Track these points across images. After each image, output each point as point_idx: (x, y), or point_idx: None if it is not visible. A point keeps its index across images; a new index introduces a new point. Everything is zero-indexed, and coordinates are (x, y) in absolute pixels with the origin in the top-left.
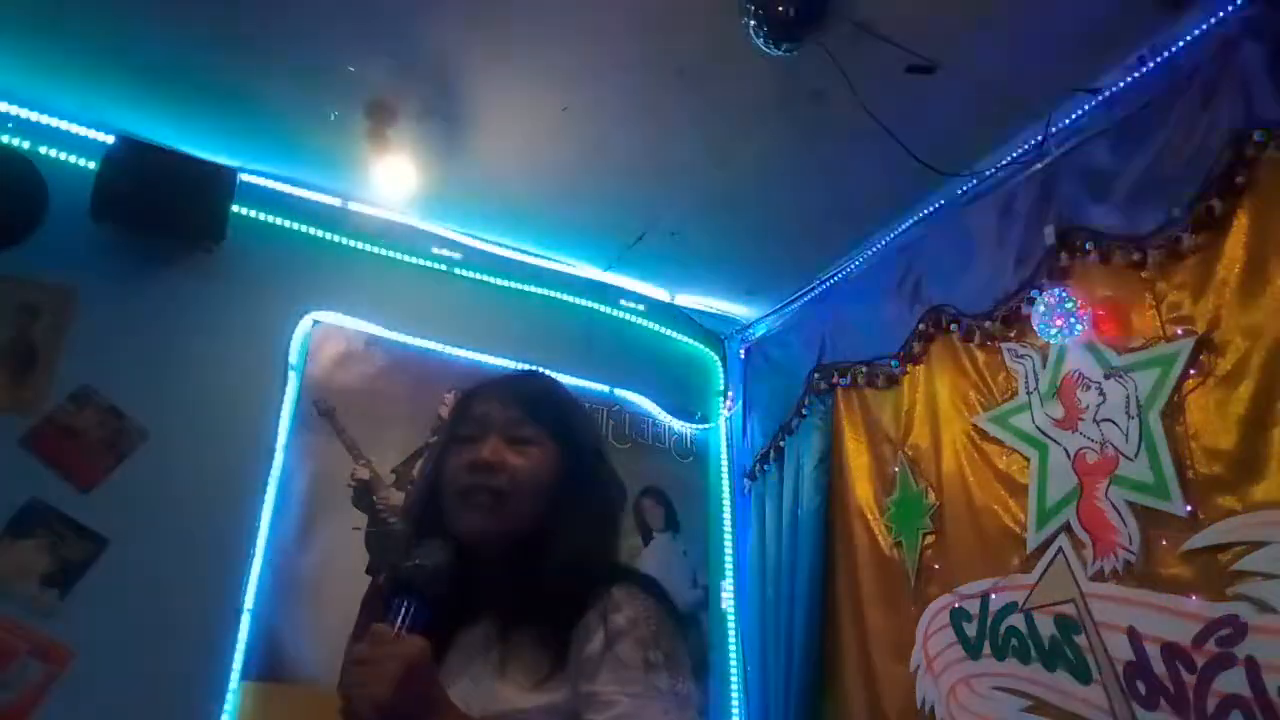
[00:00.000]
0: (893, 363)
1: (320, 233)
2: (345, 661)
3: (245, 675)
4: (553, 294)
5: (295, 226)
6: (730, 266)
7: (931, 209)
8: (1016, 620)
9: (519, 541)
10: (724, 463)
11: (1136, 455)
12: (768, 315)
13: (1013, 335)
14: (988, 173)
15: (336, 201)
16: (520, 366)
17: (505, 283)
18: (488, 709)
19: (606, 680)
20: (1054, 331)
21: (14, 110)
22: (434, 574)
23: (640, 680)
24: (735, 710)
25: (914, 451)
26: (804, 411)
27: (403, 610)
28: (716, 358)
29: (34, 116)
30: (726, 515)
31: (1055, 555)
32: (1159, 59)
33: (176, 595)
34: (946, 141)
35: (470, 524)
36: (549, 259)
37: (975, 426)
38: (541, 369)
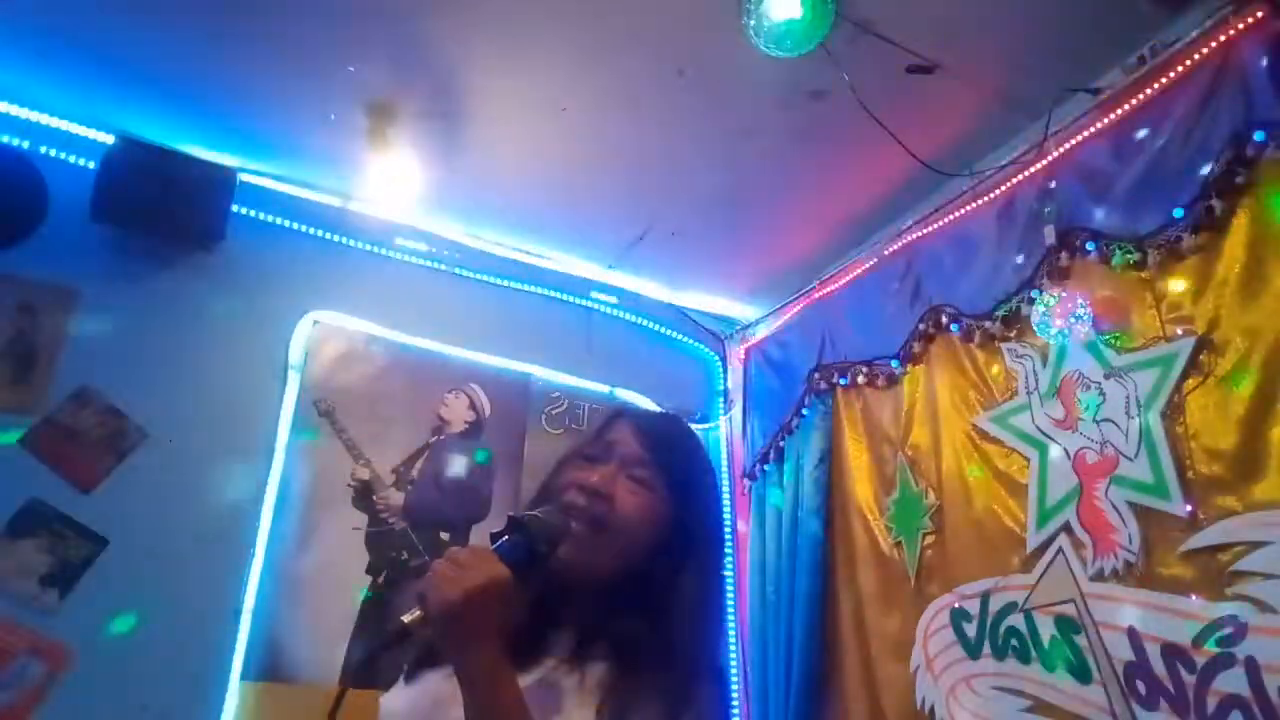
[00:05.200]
0: (893, 363)
1: (320, 233)
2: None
3: (245, 675)
4: (553, 294)
5: (295, 226)
6: (730, 266)
7: (931, 209)
8: (1016, 620)
9: (609, 577)
10: (724, 463)
11: (1136, 455)
12: (768, 315)
13: (1013, 335)
14: (988, 173)
15: (336, 201)
16: (521, 367)
17: (505, 283)
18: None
19: None
20: (1054, 331)
21: (14, 110)
22: (547, 527)
23: None
24: (735, 710)
25: (914, 451)
26: (804, 411)
27: (504, 542)
28: (716, 358)
29: (34, 116)
30: (726, 515)
31: (1055, 555)
32: (1159, 59)
33: (176, 595)
34: (946, 141)
35: (568, 549)
36: (549, 259)
37: (975, 426)
38: (538, 365)
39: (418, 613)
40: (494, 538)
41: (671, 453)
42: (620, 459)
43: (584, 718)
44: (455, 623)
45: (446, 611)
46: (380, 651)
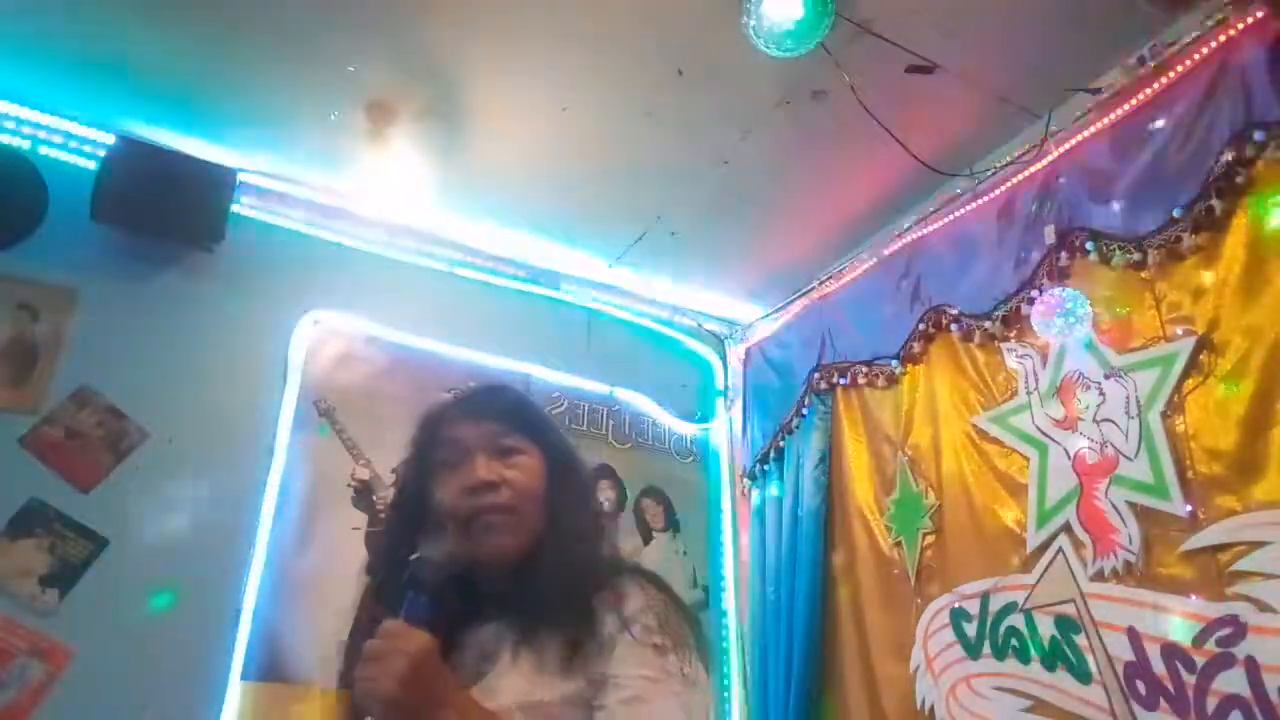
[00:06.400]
0: (893, 362)
1: (320, 232)
2: (351, 658)
3: (245, 675)
4: (553, 294)
5: (295, 226)
6: (730, 266)
7: (931, 209)
8: (1016, 620)
9: (533, 545)
10: (724, 463)
11: (1136, 455)
12: (768, 315)
13: (1013, 335)
14: (988, 173)
15: (337, 201)
16: (520, 367)
17: (505, 283)
18: (504, 704)
19: (619, 664)
20: (1054, 331)
21: (14, 110)
22: (438, 566)
23: (651, 663)
24: (735, 710)
25: (914, 451)
26: (804, 411)
27: (408, 603)
28: (716, 358)
29: (34, 116)
30: (726, 515)
31: (1055, 555)
32: (1159, 59)
33: (176, 595)
34: (946, 141)
35: (488, 545)
36: (549, 259)
37: (975, 426)
38: (538, 365)
39: None
40: (392, 598)
41: (510, 411)
42: (481, 448)
43: (560, 687)
44: (407, 711)
45: (393, 706)
46: None
